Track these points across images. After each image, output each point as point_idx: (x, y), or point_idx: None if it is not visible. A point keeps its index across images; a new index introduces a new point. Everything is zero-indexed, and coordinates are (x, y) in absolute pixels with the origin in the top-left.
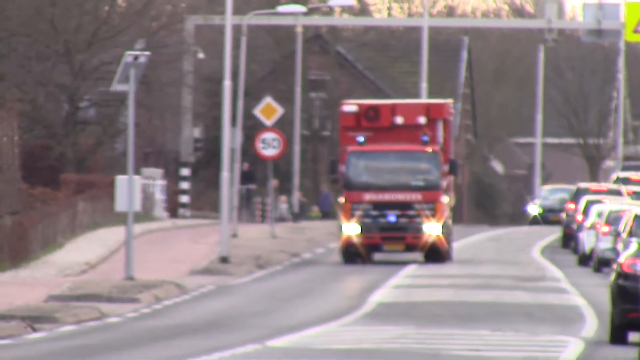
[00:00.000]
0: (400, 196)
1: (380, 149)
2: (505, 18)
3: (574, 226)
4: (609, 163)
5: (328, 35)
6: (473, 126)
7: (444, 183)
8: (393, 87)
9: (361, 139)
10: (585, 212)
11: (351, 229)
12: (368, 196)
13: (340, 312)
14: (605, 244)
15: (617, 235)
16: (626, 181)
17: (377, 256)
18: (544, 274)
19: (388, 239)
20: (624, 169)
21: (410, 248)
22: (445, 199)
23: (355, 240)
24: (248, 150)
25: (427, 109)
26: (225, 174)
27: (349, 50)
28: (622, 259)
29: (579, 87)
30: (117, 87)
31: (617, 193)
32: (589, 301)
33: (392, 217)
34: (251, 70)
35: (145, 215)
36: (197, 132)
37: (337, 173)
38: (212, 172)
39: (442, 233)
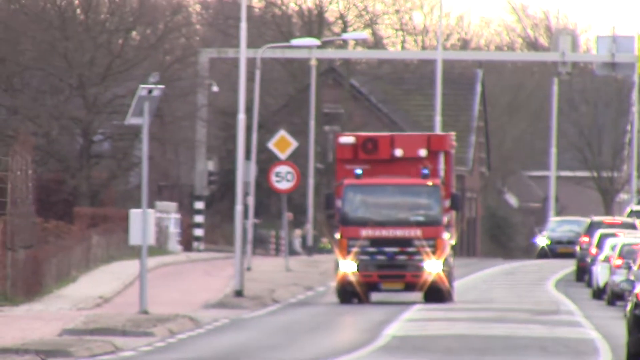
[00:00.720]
0: (399, 232)
1: (378, 182)
2: (519, 51)
3: (588, 259)
4: (623, 196)
5: (342, 68)
6: (487, 159)
7: (445, 219)
8: (407, 120)
9: (358, 172)
10: (599, 246)
11: (347, 267)
12: (365, 232)
13: (355, 346)
14: (619, 277)
15: (629, 268)
16: None
17: (375, 296)
18: (558, 307)
19: (386, 277)
20: None
21: (409, 287)
22: (446, 236)
23: (352, 278)
24: (262, 184)
25: (428, 141)
26: (239, 207)
27: (363, 83)
28: (638, 289)
29: (592, 120)
30: (131, 120)
31: (632, 226)
32: (603, 334)
33: (390, 254)
34: (265, 103)
35: (159, 248)
36: (211, 166)
37: (334, 208)
38: (226, 205)
39: (443, 271)
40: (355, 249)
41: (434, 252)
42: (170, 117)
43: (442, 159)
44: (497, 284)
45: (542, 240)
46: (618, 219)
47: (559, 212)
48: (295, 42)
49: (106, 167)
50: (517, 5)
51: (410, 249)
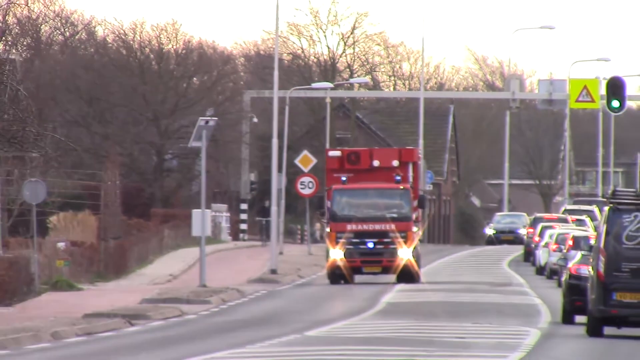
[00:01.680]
0: (377, 226)
1: (360, 187)
2: (481, 91)
3: (533, 245)
4: (558, 198)
5: (349, 104)
6: (457, 171)
7: (414, 215)
8: (398, 143)
9: (344, 178)
10: (541, 235)
11: (336, 254)
12: (350, 227)
13: (360, 310)
14: (555, 258)
15: (561, 250)
16: (572, 212)
17: (358, 278)
18: (510, 281)
19: (367, 262)
20: (575, 202)
21: (385, 270)
22: (415, 229)
23: (340, 263)
24: (290, 190)
25: (400, 154)
26: (274, 208)
27: (365, 115)
28: (570, 264)
29: (535, 142)
30: (192, 144)
31: (565, 221)
32: (544, 300)
33: (370, 244)
34: (293, 130)
35: (214, 238)
36: (252, 177)
37: (324, 208)
38: (264, 207)
39: (413, 257)
40: (342, 240)
41: (405, 242)
42: (222, 141)
43: (411, 168)
44: (465, 264)
45: (489, 230)
46: (555, 215)
47: (510, 210)
48: (314, 85)
49: (174, 178)
50: (479, 57)
51: (386, 240)
